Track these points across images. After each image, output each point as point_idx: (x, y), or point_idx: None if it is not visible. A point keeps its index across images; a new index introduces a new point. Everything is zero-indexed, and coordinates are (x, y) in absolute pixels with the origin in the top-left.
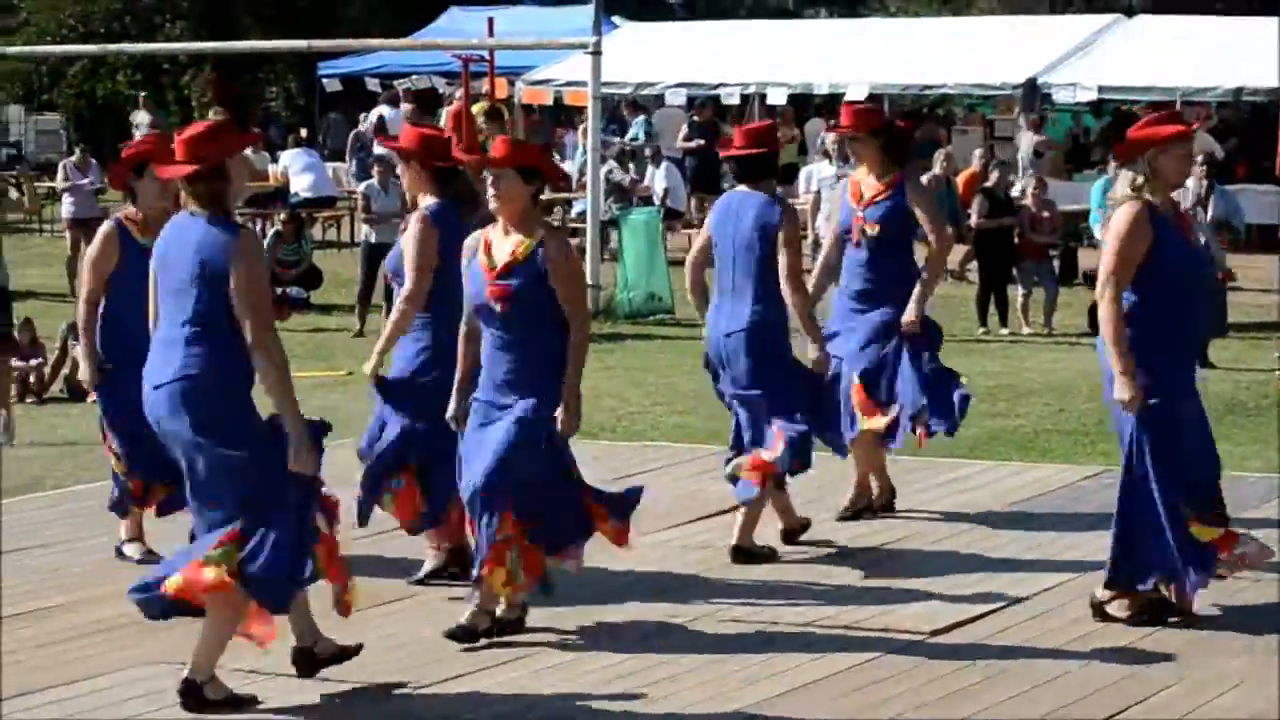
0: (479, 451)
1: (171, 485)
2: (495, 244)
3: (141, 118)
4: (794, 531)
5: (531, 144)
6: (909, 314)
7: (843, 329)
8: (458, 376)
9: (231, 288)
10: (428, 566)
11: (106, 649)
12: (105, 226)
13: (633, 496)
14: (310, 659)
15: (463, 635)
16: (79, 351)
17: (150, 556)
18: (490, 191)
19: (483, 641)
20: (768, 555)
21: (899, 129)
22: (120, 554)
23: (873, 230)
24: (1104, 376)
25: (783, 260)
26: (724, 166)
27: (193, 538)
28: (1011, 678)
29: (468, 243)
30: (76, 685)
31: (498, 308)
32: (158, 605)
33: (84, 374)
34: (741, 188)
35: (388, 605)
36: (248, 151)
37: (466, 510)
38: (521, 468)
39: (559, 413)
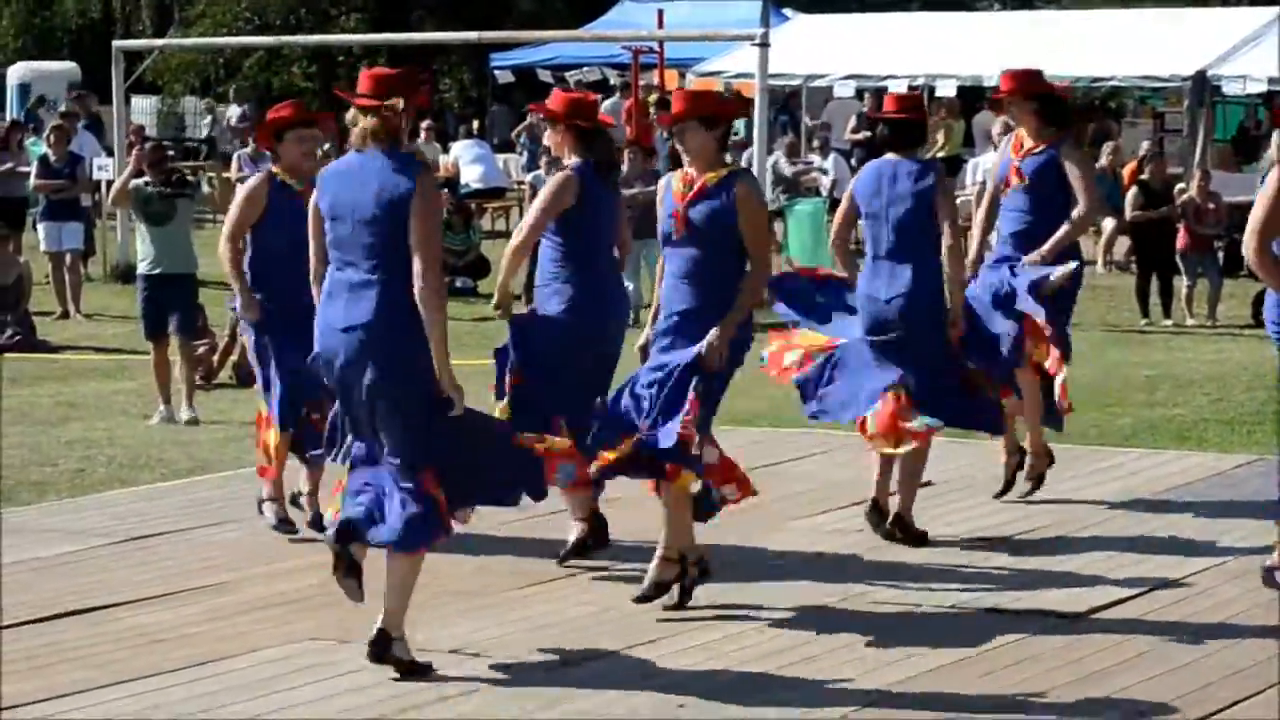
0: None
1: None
2: (687, 180)
3: (233, 111)
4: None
5: (708, 91)
6: (1043, 252)
7: (1002, 265)
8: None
9: (410, 223)
10: (572, 540)
11: (269, 624)
12: (258, 174)
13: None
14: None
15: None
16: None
17: (286, 526)
18: (680, 147)
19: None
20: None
21: (1057, 92)
22: (260, 511)
23: (1024, 181)
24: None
25: (944, 219)
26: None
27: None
28: (1154, 659)
29: (662, 181)
30: (240, 659)
31: (679, 232)
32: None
33: (242, 307)
34: (890, 155)
35: (537, 586)
36: (419, 141)
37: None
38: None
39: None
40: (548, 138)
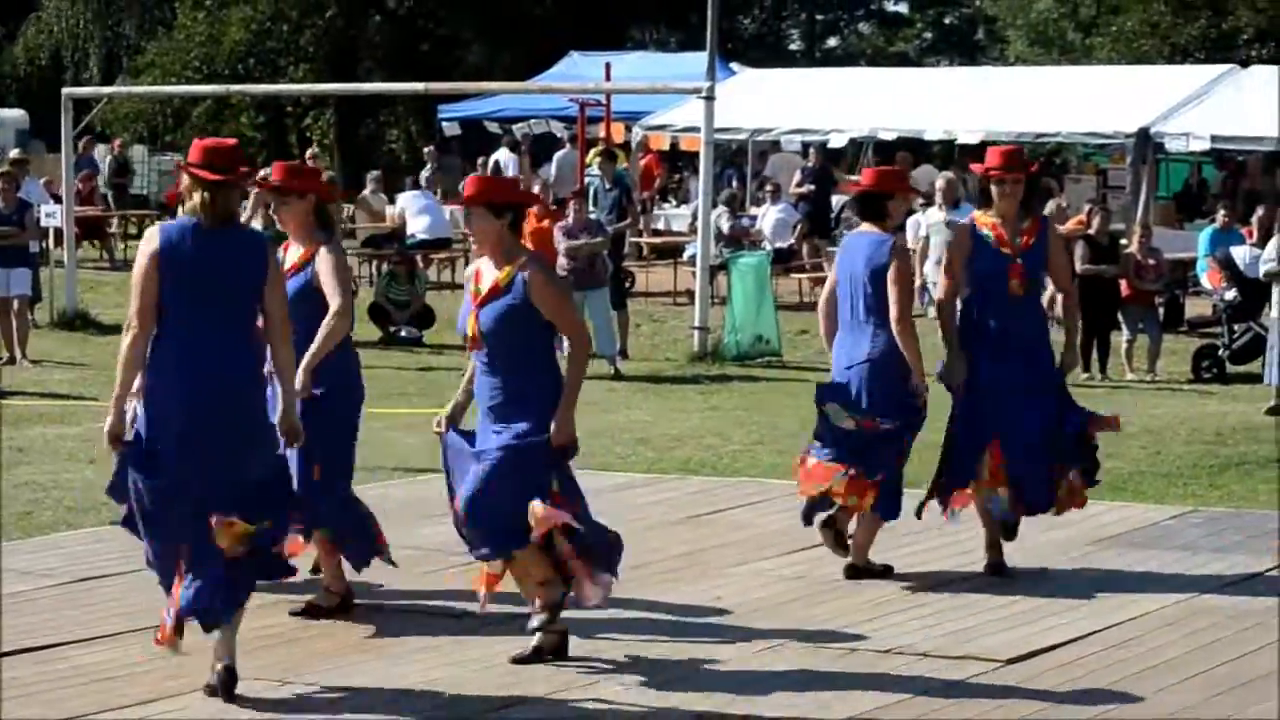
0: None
1: None
2: (483, 274)
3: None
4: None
5: (500, 179)
6: (1073, 355)
7: (994, 376)
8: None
9: (267, 287)
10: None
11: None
12: None
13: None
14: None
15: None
16: None
17: None
18: (468, 230)
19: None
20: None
21: (1038, 172)
22: None
23: (1028, 282)
24: None
25: (891, 297)
26: (843, 211)
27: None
28: (1088, 702)
29: (466, 274)
30: (187, 697)
31: (480, 337)
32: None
33: None
34: (862, 226)
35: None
36: (367, 192)
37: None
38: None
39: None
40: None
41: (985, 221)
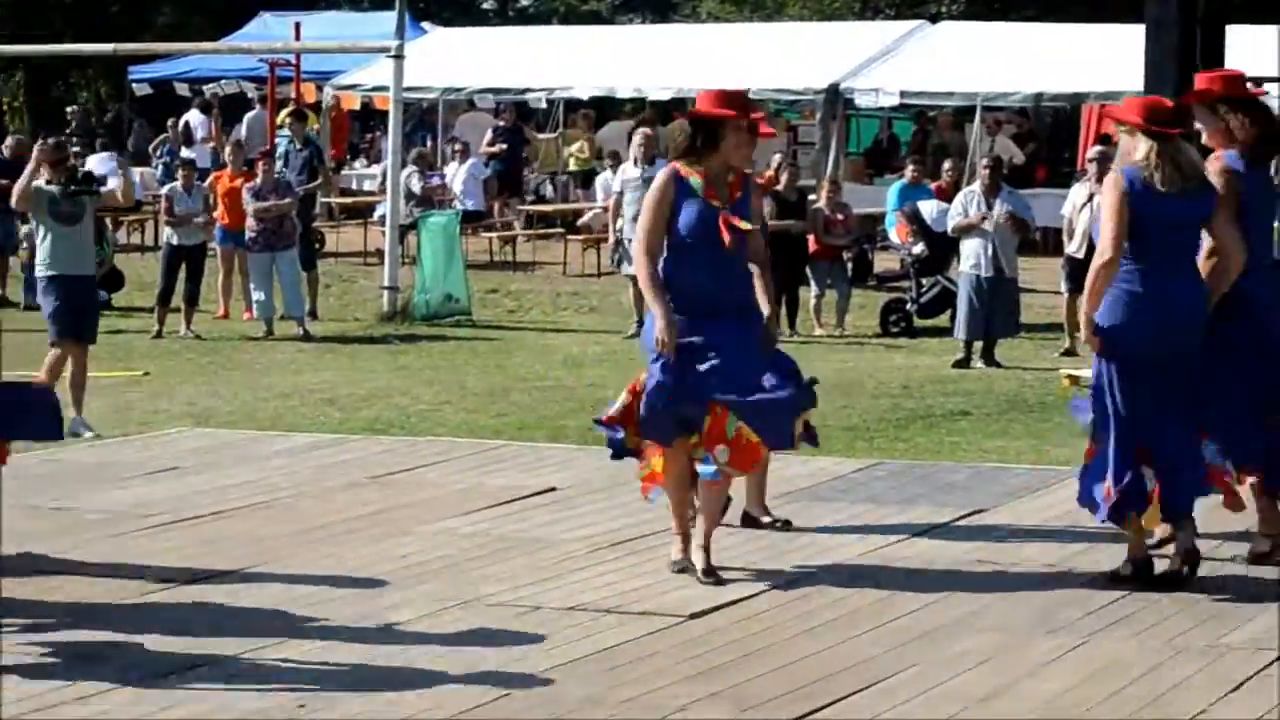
0: None
1: None
2: None
3: None
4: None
5: None
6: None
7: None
8: None
9: None
10: None
11: None
12: None
13: None
14: None
15: None
16: None
17: None
18: None
19: None
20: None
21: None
22: None
23: (740, 236)
24: None
25: None
26: (526, 171)
27: None
28: (769, 655)
29: None
30: None
31: None
32: None
33: None
34: None
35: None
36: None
37: None
38: None
39: None
40: None
41: (690, 170)
